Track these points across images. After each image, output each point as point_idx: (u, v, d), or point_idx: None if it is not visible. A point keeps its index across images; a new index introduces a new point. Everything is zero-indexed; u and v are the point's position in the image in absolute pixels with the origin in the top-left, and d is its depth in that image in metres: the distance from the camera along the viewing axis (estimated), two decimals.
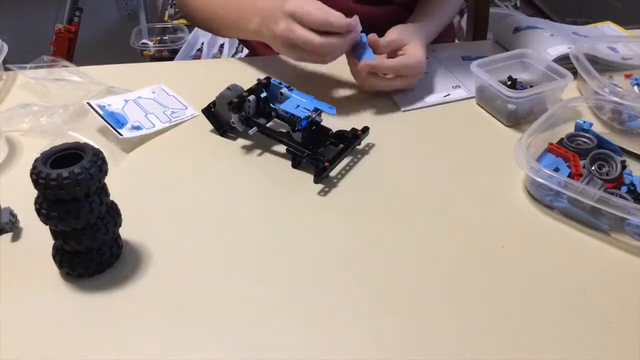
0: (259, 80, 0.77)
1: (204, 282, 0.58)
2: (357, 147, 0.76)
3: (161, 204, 0.68)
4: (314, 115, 0.73)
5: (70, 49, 2.08)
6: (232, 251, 0.61)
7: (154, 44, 2.26)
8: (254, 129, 0.74)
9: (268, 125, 0.76)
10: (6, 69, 0.92)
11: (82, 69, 0.91)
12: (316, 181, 0.70)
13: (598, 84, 0.78)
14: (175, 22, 2.38)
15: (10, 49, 0.89)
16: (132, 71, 0.94)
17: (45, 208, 0.53)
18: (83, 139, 0.74)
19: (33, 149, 0.74)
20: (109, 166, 0.55)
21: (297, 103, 0.75)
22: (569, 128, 0.75)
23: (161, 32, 2.33)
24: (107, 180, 0.56)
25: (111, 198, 0.58)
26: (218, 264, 0.60)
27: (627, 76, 0.89)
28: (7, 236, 0.63)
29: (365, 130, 0.76)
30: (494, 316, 0.54)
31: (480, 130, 0.80)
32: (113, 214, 0.58)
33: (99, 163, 0.54)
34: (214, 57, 2.09)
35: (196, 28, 2.21)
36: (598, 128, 0.77)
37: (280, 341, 0.52)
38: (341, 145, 0.74)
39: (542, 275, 0.59)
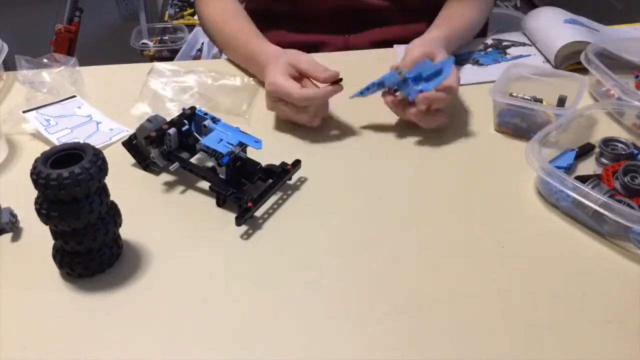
0: (183, 110, 0.72)
1: (203, 283, 0.58)
2: (288, 182, 0.70)
3: (161, 204, 0.68)
4: (237, 151, 0.67)
5: (70, 49, 2.08)
6: (232, 251, 0.61)
7: (154, 44, 2.26)
8: (175, 164, 0.68)
9: (193, 159, 0.72)
10: (6, 69, 0.92)
11: (82, 69, 0.91)
12: (238, 223, 0.63)
13: (614, 84, 0.76)
14: (175, 22, 2.38)
15: (10, 49, 0.90)
16: (132, 71, 0.94)
17: (46, 208, 0.53)
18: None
19: (33, 149, 0.74)
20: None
21: (221, 137, 0.68)
22: (589, 135, 0.73)
23: (161, 32, 2.33)
24: (107, 180, 0.56)
25: (111, 198, 0.58)
26: (218, 264, 0.60)
27: (636, 73, 0.88)
28: (7, 236, 0.63)
29: (297, 164, 0.70)
30: (494, 316, 0.54)
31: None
32: (113, 214, 0.58)
33: (99, 163, 0.54)
34: (214, 57, 2.08)
35: (196, 28, 2.21)
36: (621, 135, 0.75)
37: (281, 341, 0.52)
38: (270, 181, 0.68)
39: (542, 276, 0.58)
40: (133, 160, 0.73)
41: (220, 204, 0.67)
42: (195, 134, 0.72)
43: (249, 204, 0.64)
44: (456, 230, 0.64)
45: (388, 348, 0.52)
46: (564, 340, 0.52)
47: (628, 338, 0.52)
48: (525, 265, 0.60)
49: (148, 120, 0.70)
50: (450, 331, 0.53)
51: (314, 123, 0.78)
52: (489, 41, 1.00)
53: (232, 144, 0.67)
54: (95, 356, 0.51)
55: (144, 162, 0.72)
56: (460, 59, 0.93)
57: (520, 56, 0.95)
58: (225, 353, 0.51)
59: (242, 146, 0.69)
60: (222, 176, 0.67)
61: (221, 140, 0.68)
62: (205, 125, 0.71)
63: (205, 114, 0.72)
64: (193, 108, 0.72)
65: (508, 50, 0.96)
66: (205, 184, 0.69)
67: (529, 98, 0.79)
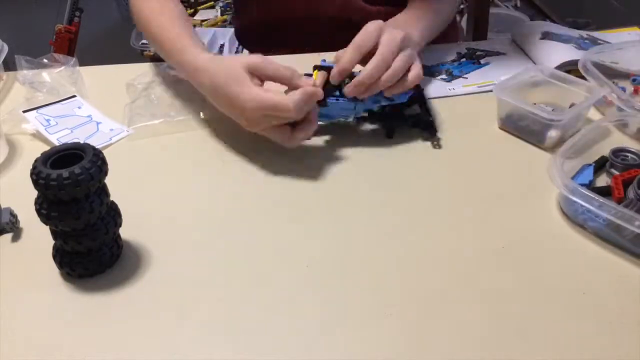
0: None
1: (203, 283, 0.58)
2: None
3: (161, 204, 0.68)
4: (409, 94, 0.75)
5: (70, 49, 2.09)
6: (232, 251, 0.61)
7: None
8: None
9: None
10: (6, 69, 0.92)
11: (82, 69, 0.91)
12: (432, 135, 0.76)
13: (611, 92, 0.76)
14: None
15: (10, 49, 0.90)
16: (132, 71, 0.94)
17: (46, 208, 0.53)
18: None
19: (33, 149, 0.74)
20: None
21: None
22: (601, 146, 0.72)
23: None
24: (107, 180, 0.56)
25: (111, 198, 0.58)
26: (218, 264, 0.60)
27: (632, 76, 0.88)
28: (7, 236, 0.63)
29: (418, 87, 0.79)
30: (494, 316, 0.54)
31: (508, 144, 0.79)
32: (113, 214, 0.58)
33: (99, 163, 0.54)
34: None
35: (196, 28, 2.21)
36: (628, 144, 0.73)
37: (281, 341, 0.52)
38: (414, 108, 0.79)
39: (542, 275, 0.58)
40: (133, 160, 0.73)
41: (391, 135, 0.77)
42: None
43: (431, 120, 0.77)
44: (456, 231, 0.64)
45: (388, 348, 0.52)
46: (564, 340, 0.52)
47: (628, 338, 0.52)
48: (525, 265, 0.59)
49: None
50: (450, 332, 0.53)
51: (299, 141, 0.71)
52: (462, 50, 0.98)
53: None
54: (95, 356, 0.51)
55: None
56: (433, 70, 0.92)
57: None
58: (225, 353, 0.51)
59: None
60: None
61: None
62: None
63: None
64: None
65: (482, 60, 0.95)
66: (205, 180, 0.69)
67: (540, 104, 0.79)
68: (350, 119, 0.78)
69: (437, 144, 0.76)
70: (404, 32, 0.72)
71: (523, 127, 0.77)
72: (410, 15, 0.86)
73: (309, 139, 0.72)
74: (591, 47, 0.93)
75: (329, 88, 0.72)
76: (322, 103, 0.71)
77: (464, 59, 0.96)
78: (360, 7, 0.96)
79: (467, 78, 0.91)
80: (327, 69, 0.72)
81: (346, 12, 0.96)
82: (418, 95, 0.80)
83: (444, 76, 0.91)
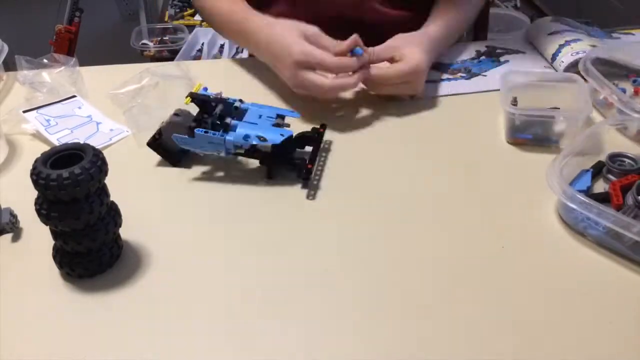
0: (210, 97, 0.71)
1: (203, 283, 0.58)
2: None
3: (161, 204, 0.68)
4: (285, 135, 0.68)
5: (70, 49, 2.08)
6: (232, 251, 0.61)
7: (154, 44, 2.26)
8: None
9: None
10: (6, 69, 0.93)
11: (82, 69, 0.91)
12: (304, 185, 0.69)
13: (611, 92, 0.75)
14: (175, 22, 2.38)
15: (10, 49, 0.90)
16: (132, 71, 0.94)
17: (45, 208, 0.53)
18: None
19: (33, 149, 0.74)
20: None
21: (259, 113, 0.71)
22: (601, 149, 0.71)
23: (161, 33, 2.33)
24: (107, 180, 0.56)
25: (111, 198, 0.58)
26: (218, 264, 0.60)
27: (632, 77, 0.88)
28: (7, 236, 0.63)
29: (324, 126, 0.76)
30: (494, 316, 0.54)
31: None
32: (113, 215, 0.58)
33: (99, 163, 0.54)
34: (214, 57, 2.08)
35: (196, 28, 2.21)
36: (627, 147, 0.73)
37: (281, 342, 0.52)
38: (307, 147, 0.73)
39: (542, 276, 0.58)
40: (133, 161, 0.73)
41: (271, 175, 0.70)
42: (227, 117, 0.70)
43: (309, 166, 0.69)
44: (457, 234, 0.64)
45: (389, 348, 0.52)
46: (564, 341, 0.52)
47: (629, 338, 0.52)
48: (526, 266, 0.59)
49: (175, 114, 0.71)
50: (450, 332, 0.53)
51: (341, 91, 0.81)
52: (482, 48, 0.98)
53: (272, 117, 0.71)
54: (95, 356, 0.51)
55: (174, 158, 0.72)
56: (452, 68, 0.92)
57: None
58: (226, 353, 0.51)
59: (282, 118, 0.72)
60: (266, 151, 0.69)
61: (260, 116, 0.71)
62: (236, 107, 0.71)
63: (227, 98, 0.72)
64: (218, 96, 0.72)
65: (501, 58, 0.95)
66: (205, 180, 0.69)
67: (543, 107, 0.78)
68: (222, 154, 0.69)
69: (312, 196, 0.68)
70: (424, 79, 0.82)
71: (538, 134, 0.75)
72: (424, 30, 0.88)
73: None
74: (601, 34, 0.93)
75: (200, 119, 0.69)
76: (190, 133, 0.68)
77: (483, 57, 0.96)
78: (372, 7, 0.96)
79: (486, 76, 0.90)
80: None
81: (359, 12, 0.96)
82: (298, 139, 0.73)
83: (463, 74, 0.91)
